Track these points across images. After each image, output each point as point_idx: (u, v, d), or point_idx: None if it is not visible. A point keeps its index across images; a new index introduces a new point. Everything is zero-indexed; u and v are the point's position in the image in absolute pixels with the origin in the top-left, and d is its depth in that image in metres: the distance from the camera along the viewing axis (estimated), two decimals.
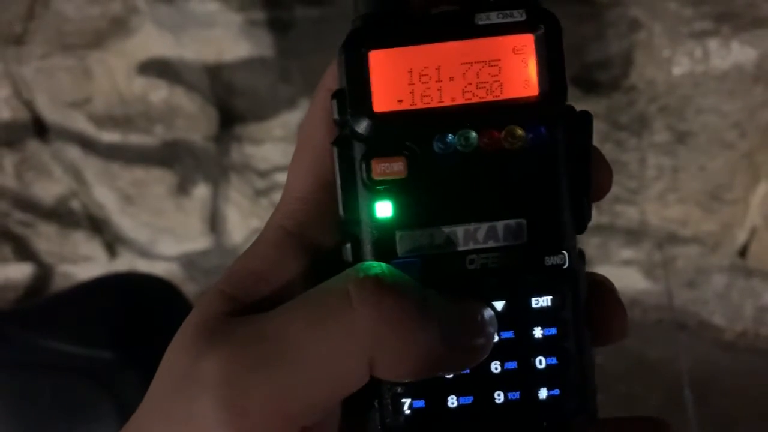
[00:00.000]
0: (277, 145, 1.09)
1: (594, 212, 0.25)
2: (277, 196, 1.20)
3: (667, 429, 0.23)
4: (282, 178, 1.12)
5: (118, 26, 1.04)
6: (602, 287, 0.25)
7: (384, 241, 0.23)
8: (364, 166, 0.22)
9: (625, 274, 1.08)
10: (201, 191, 1.17)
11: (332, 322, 0.20)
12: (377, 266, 0.22)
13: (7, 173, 1.23)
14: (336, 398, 0.21)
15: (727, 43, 0.87)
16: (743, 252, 1.04)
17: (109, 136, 1.14)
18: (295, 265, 0.23)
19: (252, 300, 0.23)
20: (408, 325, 0.20)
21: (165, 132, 1.12)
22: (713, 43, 0.87)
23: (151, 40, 1.04)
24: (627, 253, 1.06)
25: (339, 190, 0.23)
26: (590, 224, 0.24)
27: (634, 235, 1.04)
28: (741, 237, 1.03)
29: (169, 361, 0.22)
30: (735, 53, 0.87)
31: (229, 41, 1.00)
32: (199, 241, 1.24)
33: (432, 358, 0.21)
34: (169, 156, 1.14)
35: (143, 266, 1.29)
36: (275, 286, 0.23)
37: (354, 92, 0.23)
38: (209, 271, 1.27)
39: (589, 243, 1.02)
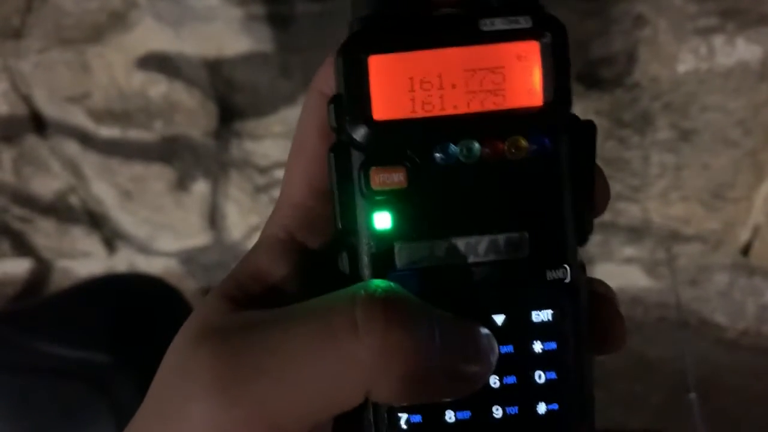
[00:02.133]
0: (277, 140, 1.08)
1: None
2: (276, 192, 1.20)
3: None
4: (282, 174, 1.11)
5: (117, 20, 1.04)
6: (602, 297, 0.24)
7: (382, 252, 0.22)
8: (362, 175, 0.22)
9: (627, 271, 1.08)
10: (200, 187, 1.17)
11: (334, 347, 0.20)
12: (386, 288, 0.21)
13: (5, 168, 1.22)
14: (328, 415, 0.21)
15: (732, 40, 0.86)
16: (746, 250, 1.04)
17: (108, 131, 1.13)
18: (286, 268, 0.24)
19: (250, 300, 0.23)
20: (412, 358, 0.20)
21: (164, 127, 1.11)
22: (718, 40, 0.87)
23: (151, 35, 1.03)
24: (629, 250, 1.05)
25: (336, 200, 0.22)
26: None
27: (637, 232, 1.04)
28: (744, 235, 1.03)
29: (168, 362, 0.22)
30: (740, 50, 0.87)
31: (229, 36, 1.00)
32: (198, 237, 1.23)
33: (431, 388, 0.21)
34: (169, 151, 1.13)
35: (142, 262, 1.29)
36: (270, 288, 0.23)
37: (352, 99, 0.22)
38: (208, 268, 1.26)
39: (590, 240, 1.01)
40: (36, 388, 0.52)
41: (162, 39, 1.03)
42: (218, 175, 1.15)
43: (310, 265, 0.24)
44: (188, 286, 1.29)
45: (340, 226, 0.22)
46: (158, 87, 1.07)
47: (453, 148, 0.22)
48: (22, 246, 1.32)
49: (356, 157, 0.22)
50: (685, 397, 0.83)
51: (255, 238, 0.25)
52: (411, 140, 0.22)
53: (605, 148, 0.96)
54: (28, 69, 1.11)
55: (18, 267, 1.35)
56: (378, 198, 0.22)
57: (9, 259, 1.34)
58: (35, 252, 1.33)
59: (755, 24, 0.85)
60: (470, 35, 0.22)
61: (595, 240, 1.02)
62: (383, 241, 0.22)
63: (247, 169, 1.13)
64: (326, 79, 0.23)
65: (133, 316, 0.56)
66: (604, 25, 0.88)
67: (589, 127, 0.23)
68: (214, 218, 1.20)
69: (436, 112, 0.22)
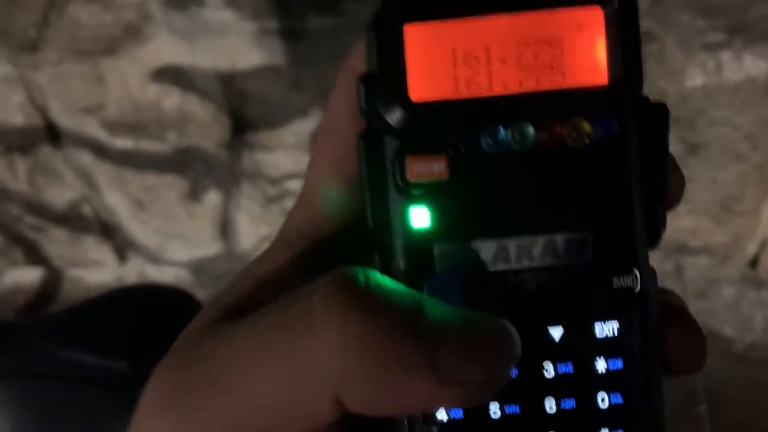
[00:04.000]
0: (288, 152, 1.09)
1: None
2: (288, 204, 1.19)
3: None
4: (293, 185, 1.12)
5: (132, 33, 1.05)
6: (676, 310, 0.21)
7: (419, 254, 0.19)
8: (397, 165, 0.19)
9: None
10: (212, 198, 1.18)
11: (287, 348, 0.16)
12: (355, 271, 0.17)
13: (20, 178, 1.24)
14: (301, 430, 0.18)
15: (740, 55, 0.87)
16: (754, 263, 1.04)
17: (122, 142, 1.15)
18: (307, 271, 0.20)
19: (249, 306, 0.20)
20: (382, 355, 0.16)
21: (177, 138, 1.12)
22: (726, 56, 0.87)
23: (165, 48, 1.04)
24: None
25: (366, 193, 0.19)
26: None
27: None
28: (751, 248, 1.03)
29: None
30: (747, 66, 0.87)
31: (243, 49, 1.01)
32: (209, 247, 1.24)
33: (416, 395, 0.16)
34: (181, 162, 1.14)
35: (153, 271, 1.29)
36: (280, 293, 0.20)
37: (386, 77, 0.19)
38: (219, 277, 1.27)
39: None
40: (59, 394, 0.53)
41: (176, 52, 1.04)
42: (230, 185, 1.16)
43: (334, 265, 0.20)
44: (198, 296, 1.30)
45: (372, 224, 0.19)
46: (172, 99, 1.08)
47: (503, 132, 0.19)
48: (34, 255, 1.33)
49: (390, 144, 0.19)
50: (694, 410, 0.83)
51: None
52: (454, 124, 0.19)
53: None
54: (44, 81, 1.12)
55: (30, 276, 1.36)
56: (415, 191, 0.19)
57: (21, 267, 1.35)
58: (47, 261, 1.33)
59: (762, 40, 0.86)
60: (523, 0, 0.19)
61: None
62: (421, 241, 0.19)
63: (259, 180, 1.14)
64: (362, 57, 0.20)
65: (154, 326, 0.56)
66: None
67: (662, 110, 0.20)
68: (225, 228, 1.21)
69: (484, 91, 0.19)
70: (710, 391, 0.86)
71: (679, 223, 1.01)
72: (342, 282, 0.17)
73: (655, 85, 0.91)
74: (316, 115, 1.03)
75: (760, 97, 0.89)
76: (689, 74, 0.89)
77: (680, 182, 0.21)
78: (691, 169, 0.95)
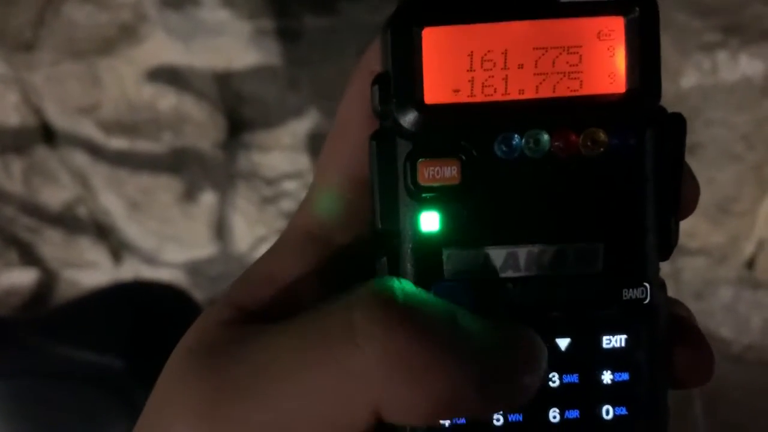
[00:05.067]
0: (285, 153, 1.09)
1: None
2: (284, 204, 1.19)
3: None
4: (289, 186, 1.12)
5: (128, 33, 1.05)
6: (684, 321, 0.21)
7: (428, 259, 0.19)
8: (408, 168, 0.19)
9: None
10: (208, 198, 1.17)
11: (329, 360, 0.17)
12: (392, 285, 0.18)
13: (15, 179, 1.23)
14: None
15: (736, 55, 0.87)
16: (750, 264, 1.04)
17: (117, 143, 1.14)
18: (315, 271, 0.20)
19: (260, 307, 0.20)
20: (426, 367, 0.16)
21: (173, 139, 1.12)
22: (722, 56, 0.87)
23: (161, 48, 1.04)
24: None
25: (376, 195, 0.19)
26: None
27: None
28: (748, 249, 1.03)
29: (162, 379, 0.20)
30: (743, 66, 0.87)
31: (239, 50, 1.01)
32: (205, 249, 1.24)
33: (456, 404, 0.17)
34: (177, 163, 1.14)
35: (148, 273, 1.29)
36: (290, 293, 0.20)
37: (401, 78, 0.19)
38: (214, 279, 1.27)
39: None
40: (55, 391, 0.53)
41: (172, 52, 1.04)
42: (226, 186, 1.16)
43: (342, 264, 0.21)
44: (194, 297, 1.29)
45: (380, 227, 0.19)
46: (168, 99, 1.08)
47: (517, 139, 0.19)
48: (29, 256, 1.33)
49: (402, 147, 0.19)
50: (689, 411, 0.83)
51: (262, 250, 0.22)
52: (468, 129, 0.19)
53: None
54: (39, 81, 1.12)
55: (25, 277, 1.35)
56: (426, 195, 0.19)
57: (16, 268, 1.34)
58: (42, 262, 1.33)
59: (758, 40, 0.86)
60: (543, 7, 0.18)
61: None
62: (430, 246, 0.19)
63: (255, 180, 1.14)
64: (376, 58, 0.20)
65: (149, 323, 0.57)
66: None
67: (679, 121, 0.20)
68: (221, 230, 1.21)
69: (499, 96, 0.19)
70: (707, 392, 0.86)
71: None
72: (381, 297, 0.17)
73: None
74: (313, 115, 1.02)
75: (756, 98, 0.89)
76: (685, 74, 0.89)
77: (695, 190, 0.21)
78: None
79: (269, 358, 0.18)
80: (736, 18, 0.85)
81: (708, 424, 0.84)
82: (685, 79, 0.90)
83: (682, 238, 0.96)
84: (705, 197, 1.06)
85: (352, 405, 0.17)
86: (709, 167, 0.95)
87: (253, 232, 1.20)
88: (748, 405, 1.01)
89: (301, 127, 1.06)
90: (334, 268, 0.21)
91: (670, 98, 0.91)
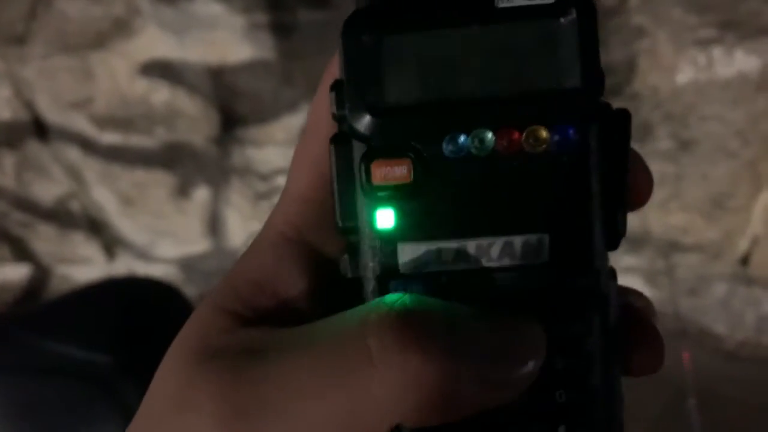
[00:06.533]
0: (278, 148, 1.09)
1: None
2: (278, 200, 1.19)
3: None
4: (283, 181, 1.12)
5: (121, 27, 1.04)
6: (635, 310, 0.22)
7: (385, 254, 0.20)
8: (363, 168, 0.20)
9: (626, 281, 1.07)
10: (201, 194, 1.17)
11: (348, 383, 0.18)
12: (401, 306, 0.18)
13: (7, 173, 1.23)
14: None
15: (731, 51, 0.87)
16: (745, 260, 1.04)
17: (110, 137, 1.14)
18: (296, 273, 0.21)
19: (254, 313, 0.21)
20: (440, 385, 0.17)
21: (166, 134, 1.11)
22: (717, 51, 0.87)
23: (154, 42, 1.03)
24: (628, 260, 1.06)
25: (336, 195, 0.20)
26: None
27: (636, 242, 1.04)
28: (743, 245, 1.03)
29: (164, 384, 0.20)
30: (739, 61, 0.87)
31: (232, 44, 1.00)
32: (198, 244, 1.23)
33: (466, 406, 0.18)
34: (170, 158, 1.14)
35: (141, 268, 1.29)
36: (277, 299, 0.21)
37: (353, 84, 0.20)
38: (208, 274, 1.27)
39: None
40: (42, 387, 0.53)
41: (165, 46, 1.03)
42: (219, 181, 1.15)
43: (324, 270, 0.21)
44: (187, 292, 1.29)
45: (341, 225, 0.20)
46: (161, 94, 1.07)
47: (464, 138, 0.20)
48: (21, 251, 1.32)
49: (357, 149, 0.20)
50: (683, 406, 0.83)
51: None
52: (417, 130, 0.20)
53: None
54: (31, 75, 1.11)
55: (17, 272, 1.35)
56: (380, 194, 0.20)
57: (8, 264, 1.34)
58: (35, 257, 1.33)
59: (754, 36, 0.86)
60: (486, 13, 0.20)
61: None
62: (386, 241, 0.20)
63: (249, 176, 1.13)
64: None
65: (137, 318, 0.56)
66: (604, 35, 0.88)
67: (623, 117, 0.21)
68: (214, 225, 1.20)
69: (447, 98, 0.20)
70: (701, 388, 0.86)
71: (670, 219, 1.01)
72: (394, 320, 0.18)
73: (647, 81, 0.91)
74: (307, 110, 1.02)
75: (752, 93, 0.89)
76: (681, 70, 0.89)
77: (648, 181, 0.22)
78: (683, 166, 0.95)
79: (287, 373, 0.18)
80: (731, 14, 0.85)
81: (702, 419, 0.84)
82: (680, 74, 0.90)
83: (677, 234, 0.96)
84: (699, 193, 1.07)
85: (368, 425, 0.18)
86: (704, 163, 0.95)
87: (247, 228, 1.20)
88: (742, 400, 1.01)
89: (295, 121, 1.05)
90: (314, 269, 0.21)
91: (665, 94, 0.91)
